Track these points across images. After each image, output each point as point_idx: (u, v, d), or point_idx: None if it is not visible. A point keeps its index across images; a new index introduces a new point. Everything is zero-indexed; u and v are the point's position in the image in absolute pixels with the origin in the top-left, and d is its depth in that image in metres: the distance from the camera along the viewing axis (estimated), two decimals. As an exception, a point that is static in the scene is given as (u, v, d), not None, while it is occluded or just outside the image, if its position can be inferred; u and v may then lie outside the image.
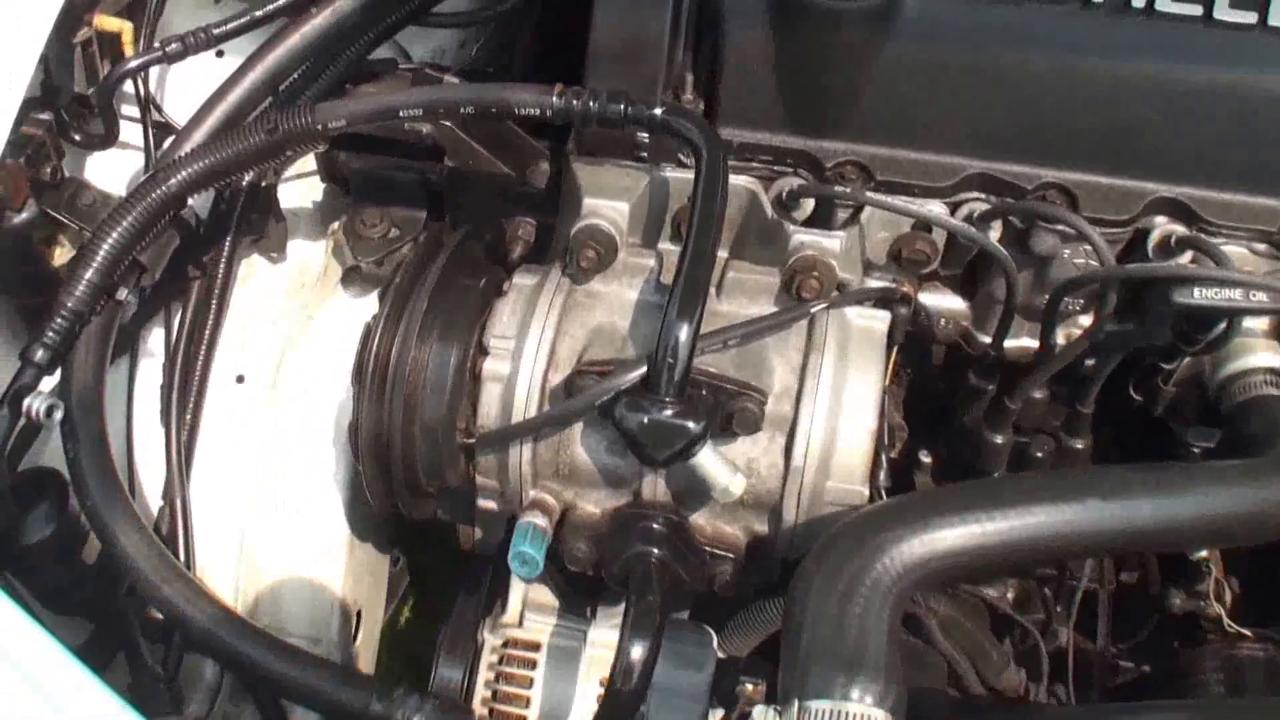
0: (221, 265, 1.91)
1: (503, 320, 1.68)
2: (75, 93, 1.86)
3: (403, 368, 1.65)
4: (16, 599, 1.35)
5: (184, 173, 1.62)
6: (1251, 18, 1.62)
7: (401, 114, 1.64)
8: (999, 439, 1.83)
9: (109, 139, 1.86)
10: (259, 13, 1.81)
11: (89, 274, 1.58)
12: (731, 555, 1.66)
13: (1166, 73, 1.65)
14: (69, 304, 1.59)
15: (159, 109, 1.94)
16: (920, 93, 1.69)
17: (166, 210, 1.64)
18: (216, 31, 1.79)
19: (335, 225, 1.97)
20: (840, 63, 1.69)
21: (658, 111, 1.60)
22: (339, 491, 1.93)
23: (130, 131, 1.91)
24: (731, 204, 1.71)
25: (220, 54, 1.94)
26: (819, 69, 1.70)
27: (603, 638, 1.77)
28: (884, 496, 1.75)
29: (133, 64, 1.80)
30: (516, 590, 1.82)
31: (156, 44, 1.81)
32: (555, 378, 1.64)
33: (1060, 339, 1.77)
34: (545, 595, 1.83)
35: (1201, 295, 1.59)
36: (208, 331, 1.91)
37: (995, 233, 1.72)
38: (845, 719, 1.24)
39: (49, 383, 1.63)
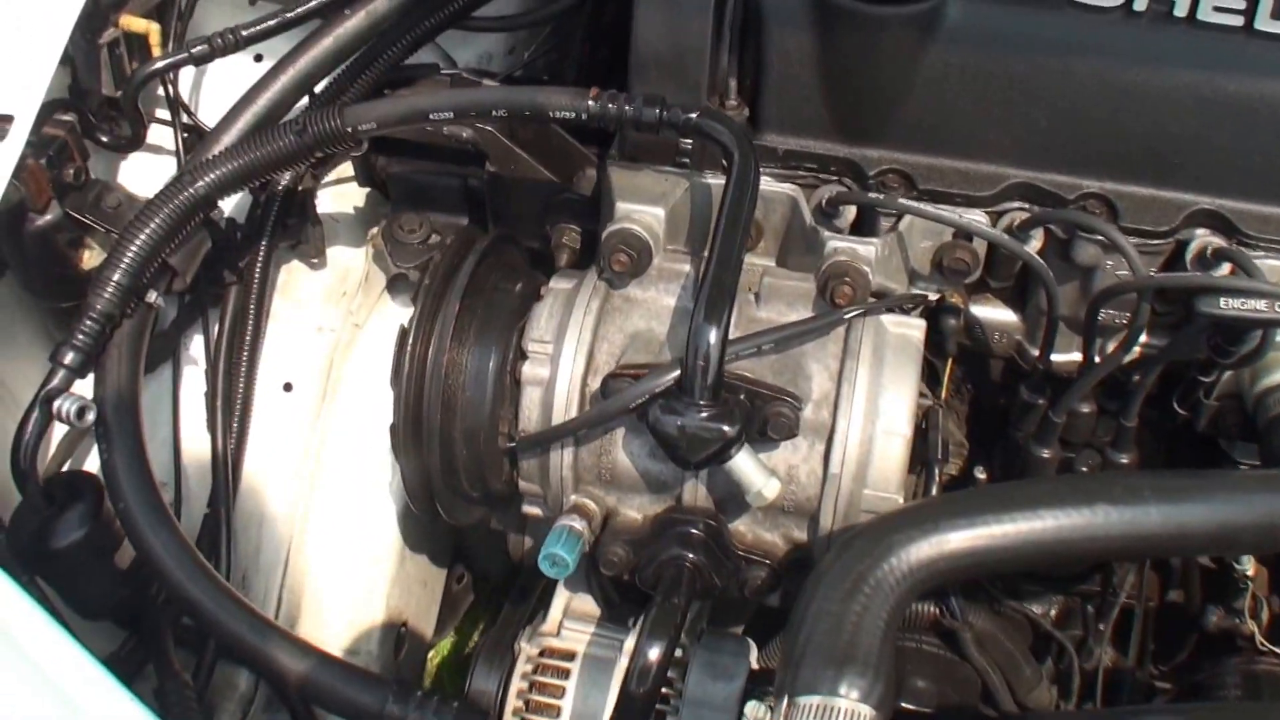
0: (258, 270, 1.90)
1: (540, 324, 1.67)
2: (103, 95, 1.86)
3: (439, 370, 1.65)
4: (46, 605, 1.35)
5: (212, 175, 1.62)
6: None
7: (431, 117, 1.63)
8: (1045, 453, 1.80)
9: (136, 141, 1.87)
10: (290, 14, 1.80)
11: (116, 276, 1.59)
12: (767, 561, 1.64)
13: (1207, 83, 1.62)
14: (98, 306, 1.59)
15: (189, 111, 1.95)
16: (963, 100, 1.67)
17: (195, 213, 1.64)
18: (245, 33, 1.79)
19: (374, 231, 1.97)
20: (883, 69, 1.67)
21: (691, 116, 1.59)
22: (392, 501, 1.92)
23: (161, 134, 1.91)
24: (774, 212, 1.72)
25: (259, 58, 1.94)
26: (862, 75, 1.68)
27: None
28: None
29: (158, 65, 1.80)
30: (558, 599, 1.81)
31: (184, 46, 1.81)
32: (594, 382, 1.64)
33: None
34: (588, 605, 1.81)
35: (1227, 305, 1.56)
36: (249, 338, 1.90)
37: (1037, 243, 1.69)
38: (833, 714, 1.23)
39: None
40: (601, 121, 1.60)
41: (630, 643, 1.76)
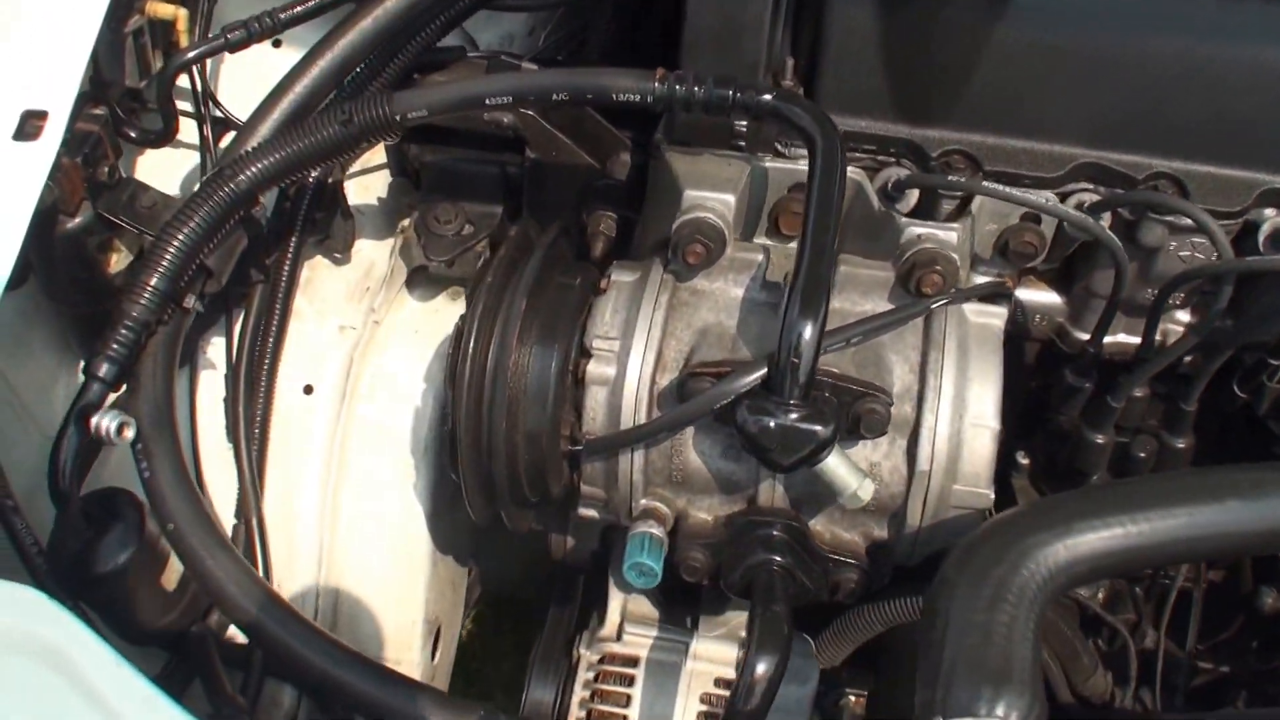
0: (286, 268, 1.80)
1: (605, 320, 1.59)
2: (126, 86, 1.74)
3: (503, 373, 1.56)
4: (96, 631, 1.26)
5: (253, 169, 1.52)
6: None
7: (488, 102, 1.55)
8: (1100, 439, 1.76)
9: (167, 135, 1.75)
10: (326, -4, 1.70)
11: (155, 280, 1.48)
12: (854, 562, 1.59)
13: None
14: (134, 313, 1.49)
15: (217, 103, 1.83)
16: (1031, 78, 1.62)
17: (236, 210, 1.54)
18: (283, 16, 1.68)
19: (405, 223, 1.87)
20: (949, 45, 1.61)
21: (768, 97, 1.51)
22: (420, 504, 1.84)
23: (184, 128, 1.80)
24: (839, 197, 1.65)
25: (277, 43, 1.83)
26: (927, 52, 1.62)
27: (706, 650, 1.70)
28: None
29: (195, 52, 1.69)
30: (615, 602, 1.74)
31: (216, 31, 1.70)
32: (663, 380, 1.57)
33: (1157, 335, 1.71)
34: (645, 606, 1.75)
35: None
36: (271, 341, 1.80)
37: (1105, 224, 1.66)
38: None
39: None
40: (668, 104, 1.52)
41: (697, 645, 1.70)
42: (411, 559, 1.85)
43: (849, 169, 1.64)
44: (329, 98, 1.71)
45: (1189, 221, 1.61)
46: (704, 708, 1.66)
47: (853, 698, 1.74)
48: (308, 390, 1.84)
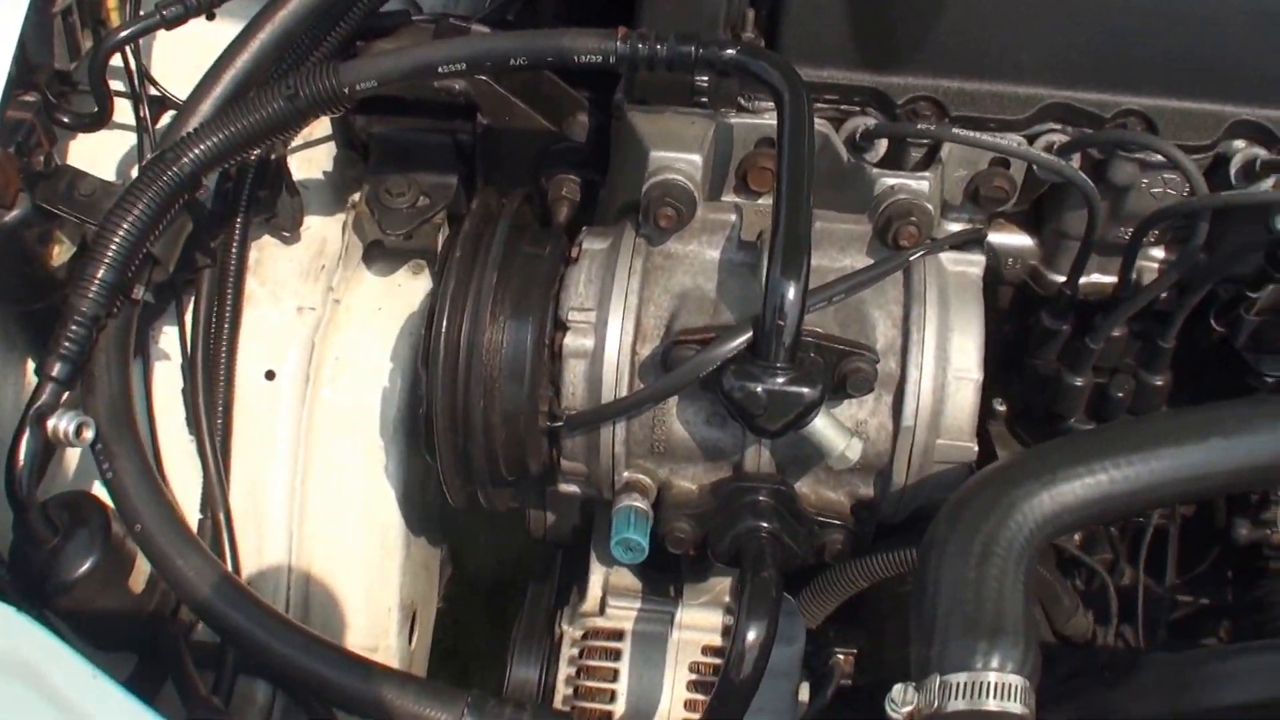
0: (234, 250, 1.73)
1: (579, 290, 1.54)
2: (55, 69, 1.66)
3: (477, 351, 1.51)
4: (64, 640, 1.22)
5: (196, 150, 1.45)
6: None
7: (441, 70, 1.49)
8: (1079, 381, 1.74)
9: (102, 118, 1.66)
10: (266, -37, 1.61)
11: (101, 272, 1.41)
12: (840, 523, 1.56)
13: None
14: (83, 308, 1.41)
15: (153, 82, 1.75)
16: (995, 20, 1.58)
17: (181, 194, 1.46)
18: (221, -12, 1.60)
19: (356, 197, 1.81)
20: None
21: (732, 52, 1.47)
22: (391, 486, 1.78)
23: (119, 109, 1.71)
24: (806, 149, 1.61)
25: (211, 16, 1.74)
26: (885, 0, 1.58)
27: (692, 618, 1.67)
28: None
29: (130, 30, 1.59)
30: (596, 575, 1.70)
31: (149, 7, 1.62)
32: (644, 349, 1.52)
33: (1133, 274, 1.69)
34: (627, 579, 1.72)
35: None
36: (227, 326, 1.73)
37: (1074, 164, 1.63)
38: (984, 690, 1.16)
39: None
40: (631, 64, 1.47)
41: (682, 614, 1.67)
42: (384, 544, 1.80)
43: (816, 121, 1.60)
44: (272, 71, 1.63)
45: (1159, 158, 1.59)
46: (693, 676, 1.63)
47: (841, 656, 1.71)
48: (269, 376, 1.77)
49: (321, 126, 1.85)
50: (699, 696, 1.62)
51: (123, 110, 1.72)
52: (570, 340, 1.53)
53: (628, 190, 1.60)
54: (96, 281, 1.41)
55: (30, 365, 1.69)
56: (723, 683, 1.42)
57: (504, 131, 1.72)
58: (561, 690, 1.64)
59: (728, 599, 1.68)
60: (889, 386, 1.51)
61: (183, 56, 1.74)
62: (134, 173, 1.62)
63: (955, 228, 1.67)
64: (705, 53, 1.47)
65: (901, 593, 1.78)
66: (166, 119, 1.74)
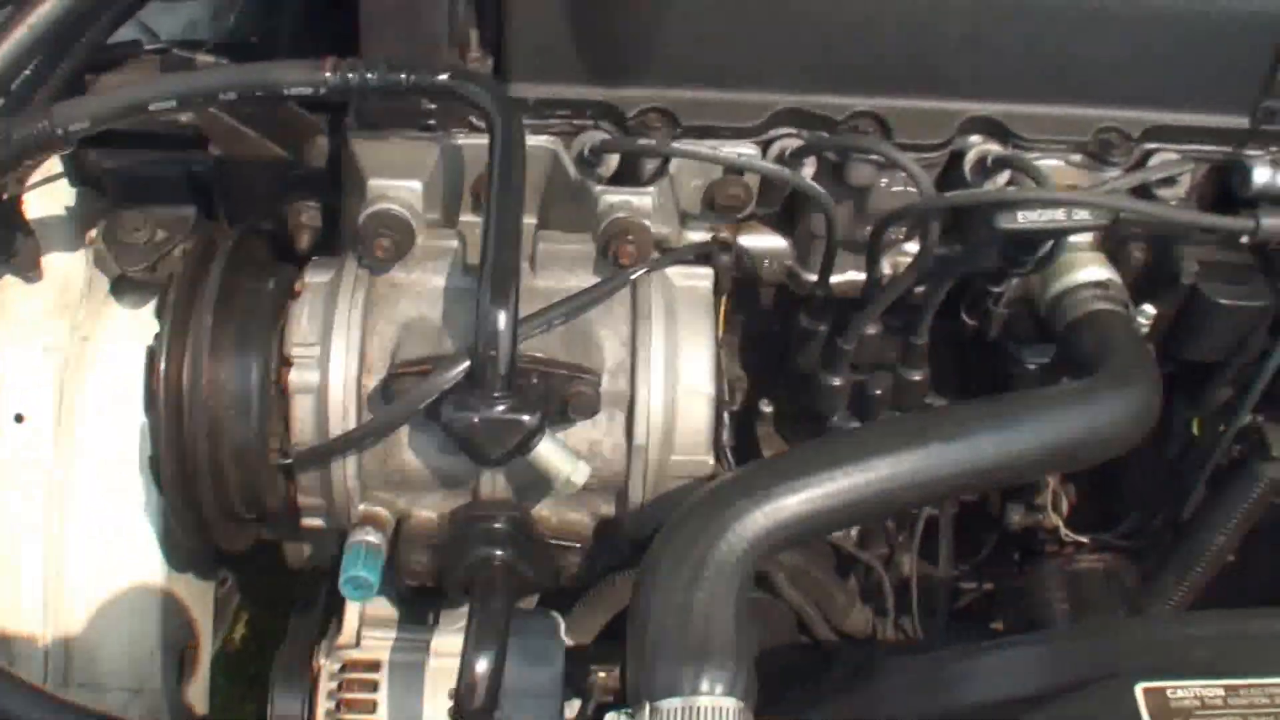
0: (-28, 295, 1.70)
1: (302, 325, 1.53)
2: None
3: (199, 392, 1.49)
4: None
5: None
6: None
7: (152, 108, 1.46)
8: (836, 380, 1.75)
9: None
10: (-28, 1, 1.58)
11: None
12: (578, 545, 1.56)
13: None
14: None
15: None
16: (720, 28, 1.58)
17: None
18: (-75, 30, 1.56)
19: (93, 233, 1.77)
20: (628, 4, 1.57)
21: (443, 77, 1.47)
22: (150, 522, 1.74)
23: None
24: (533, 168, 1.59)
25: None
26: (611, 11, 1.57)
27: (447, 645, 1.65)
28: (728, 455, 1.69)
29: None
30: (352, 607, 1.69)
31: None
32: (370, 381, 1.51)
33: (887, 269, 1.70)
34: (384, 608, 1.70)
35: (1025, 219, 1.53)
36: (-32, 372, 1.69)
37: (810, 168, 1.63)
38: (696, 714, 1.17)
39: None
40: (343, 93, 1.46)
41: (437, 641, 1.66)
42: (145, 586, 1.76)
43: (544, 139, 1.60)
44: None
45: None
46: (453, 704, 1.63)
47: (601, 674, 1.71)
48: (18, 419, 1.74)
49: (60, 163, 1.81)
50: (462, 723, 1.62)
51: None
52: (295, 376, 1.51)
53: (353, 219, 1.59)
54: None
55: None
56: (457, 715, 1.42)
57: (238, 162, 1.70)
58: (323, 722, 1.63)
59: None
60: (621, 405, 1.51)
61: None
62: None
63: (697, 237, 1.67)
64: (416, 79, 1.46)
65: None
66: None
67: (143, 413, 1.71)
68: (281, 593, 2.51)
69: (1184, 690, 1.25)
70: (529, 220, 1.62)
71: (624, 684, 1.76)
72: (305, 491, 1.56)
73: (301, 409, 1.52)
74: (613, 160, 1.61)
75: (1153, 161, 1.67)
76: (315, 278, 1.57)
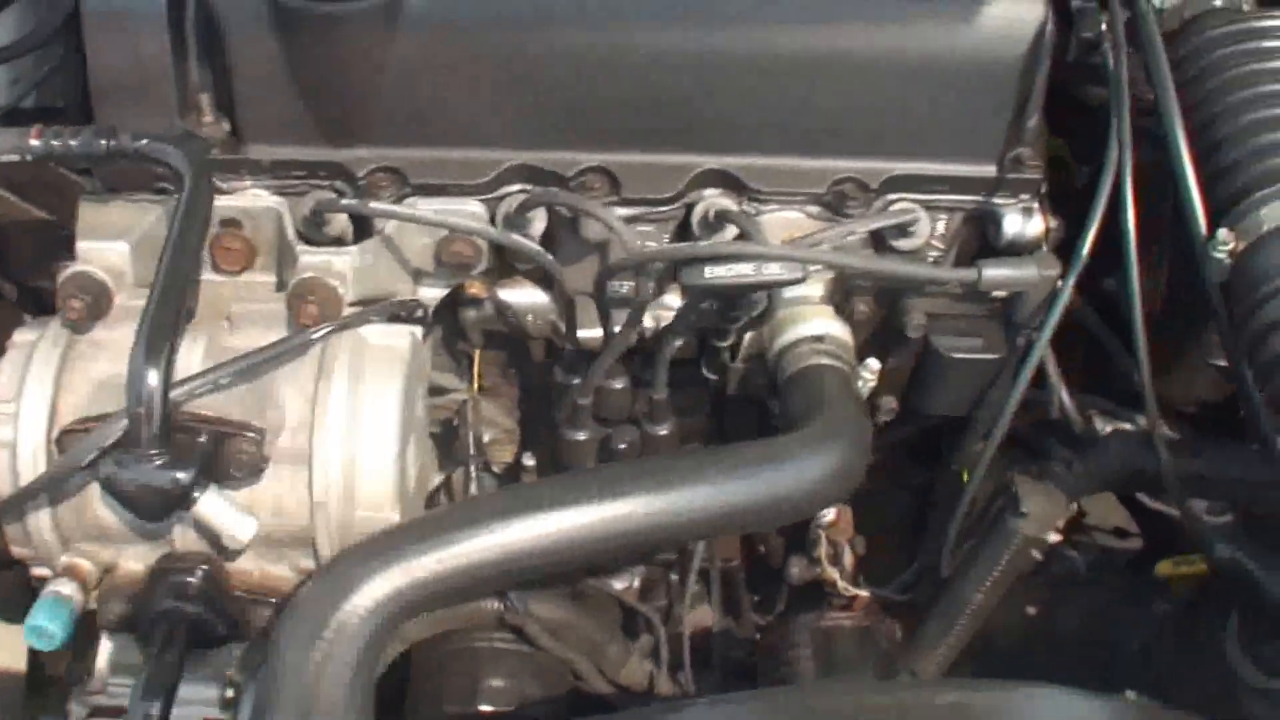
0: None
1: (2, 383, 1.59)
2: None
3: None
4: None
5: None
6: None
7: None
8: (581, 435, 1.76)
9: None
10: None
11: None
12: (271, 600, 1.59)
13: (692, 40, 1.59)
14: None
15: None
16: (441, 89, 1.62)
17: None
18: None
19: None
20: (351, 67, 1.61)
21: (140, 144, 1.53)
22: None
23: None
24: (263, 228, 1.65)
25: None
26: (331, 76, 1.62)
27: (190, 693, 1.66)
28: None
29: None
30: (102, 655, 1.72)
31: None
32: None
33: (649, 322, 1.71)
34: (134, 655, 1.74)
35: (711, 274, 1.53)
36: None
37: (541, 223, 1.65)
38: None
39: None
40: (52, 159, 1.54)
41: (182, 690, 1.69)
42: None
43: (274, 199, 1.65)
44: None
45: (631, 210, 1.61)
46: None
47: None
48: None
49: None
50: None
51: None
52: None
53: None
54: None
55: None
56: None
57: (3, 225, 1.77)
58: (74, 771, 1.68)
59: (230, 671, 1.70)
60: (303, 462, 1.54)
61: None
62: None
63: (431, 293, 1.70)
64: (116, 144, 1.53)
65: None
66: None
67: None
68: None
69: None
70: (268, 279, 1.67)
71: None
72: (15, 542, 1.61)
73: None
74: (339, 220, 1.65)
75: (888, 210, 1.65)
76: (22, 336, 1.62)
